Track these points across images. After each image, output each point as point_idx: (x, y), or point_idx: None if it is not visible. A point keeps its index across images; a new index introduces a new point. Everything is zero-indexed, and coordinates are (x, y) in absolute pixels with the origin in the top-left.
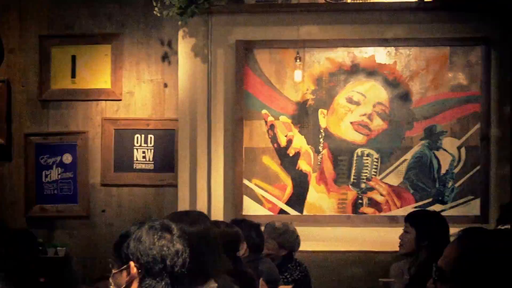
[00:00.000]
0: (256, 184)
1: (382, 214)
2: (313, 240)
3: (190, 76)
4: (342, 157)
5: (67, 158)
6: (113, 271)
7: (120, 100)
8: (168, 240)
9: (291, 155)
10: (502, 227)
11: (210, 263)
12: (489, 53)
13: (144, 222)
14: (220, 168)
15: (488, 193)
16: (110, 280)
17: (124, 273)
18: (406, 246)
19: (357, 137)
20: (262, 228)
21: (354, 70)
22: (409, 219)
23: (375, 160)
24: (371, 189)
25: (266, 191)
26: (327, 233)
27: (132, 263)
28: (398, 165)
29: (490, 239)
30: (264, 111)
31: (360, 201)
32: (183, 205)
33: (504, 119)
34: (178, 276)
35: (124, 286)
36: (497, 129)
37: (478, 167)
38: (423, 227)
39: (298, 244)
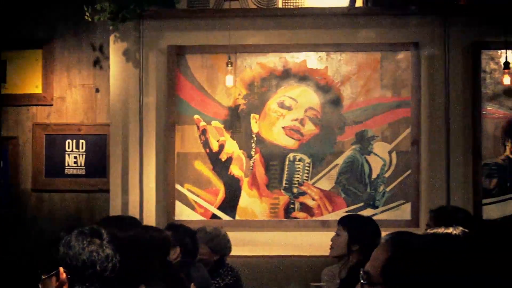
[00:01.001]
0: (188, 189)
1: (314, 218)
2: (245, 245)
3: (121, 81)
4: (274, 162)
5: None
6: (43, 276)
7: (51, 105)
8: (97, 245)
9: (223, 160)
10: (431, 231)
11: (141, 268)
12: (419, 58)
13: (74, 227)
14: (152, 173)
15: (418, 198)
16: (40, 286)
17: (53, 279)
18: (337, 249)
19: (289, 142)
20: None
21: (285, 75)
22: (343, 222)
23: (307, 164)
24: (303, 193)
25: (198, 196)
26: (259, 238)
27: (61, 269)
28: (330, 170)
29: (416, 242)
30: (196, 116)
31: (292, 205)
32: (115, 210)
33: (434, 124)
34: (108, 281)
35: None
36: (427, 134)
37: (408, 172)
38: (356, 231)
39: (230, 249)
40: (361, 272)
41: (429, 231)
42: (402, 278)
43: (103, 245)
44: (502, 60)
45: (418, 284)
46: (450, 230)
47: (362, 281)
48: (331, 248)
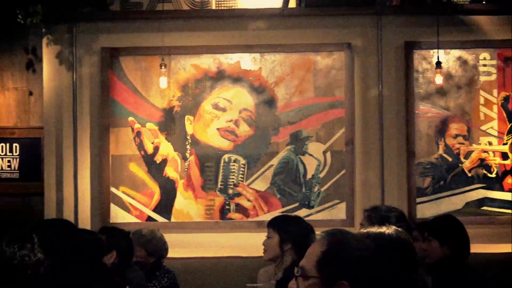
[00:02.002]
0: (123, 192)
1: (250, 219)
2: (181, 247)
3: (55, 83)
4: (209, 163)
5: None
6: None
7: None
8: (29, 250)
9: (158, 162)
10: (365, 230)
11: (75, 271)
12: (353, 59)
13: (6, 232)
14: (87, 176)
15: (353, 197)
16: None
17: None
18: (270, 251)
19: (223, 143)
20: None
21: (219, 76)
22: (272, 224)
23: (242, 166)
24: (238, 194)
25: (133, 198)
26: (195, 240)
27: None
28: (265, 171)
29: (349, 237)
30: (130, 118)
31: (227, 207)
32: (49, 214)
33: (368, 124)
34: (41, 285)
35: None
36: (361, 134)
37: (343, 172)
38: (285, 231)
39: (166, 251)
40: (295, 269)
41: (362, 230)
42: (336, 270)
43: (34, 249)
44: (434, 60)
45: (351, 275)
46: (383, 229)
47: (296, 275)
48: (265, 251)
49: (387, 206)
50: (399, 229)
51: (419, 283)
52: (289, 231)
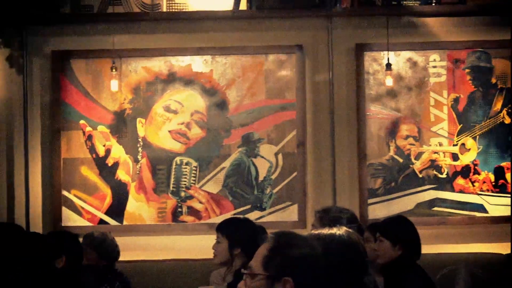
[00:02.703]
0: (75, 195)
1: (202, 221)
2: (133, 250)
3: (5, 87)
4: (161, 166)
5: None
6: None
7: None
8: None
9: (109, 165)
10: (316, 232)
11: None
12: (304, 61)
13: None
14: (38, 179)
15: (305, 199)
16: None
17: None
18: (220, 256)
19: (175, 146)
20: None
21: (171, 79)
22: (220, 228)
23: (194, 168)
24: (191, 197)
25: (85, 201)
26: (148, 242)
27: None
28: (217, 173)
29: (295, 237)
30: (82, 121)
31: (179, 209)
32: (0, 218)
33: (319, 125)
34: None
35: None
36: (313, 135)
37: (295, 173)
38: (234, 235)
39: (118, 254)
40: (242, 269)
41: (314, 231)
42: (280, 267)
43: None
44: (385, 62)
45: (295, 272)
46: (334, 230)
47: (245, 275)
48: (215, 255)
49: (338, 207)
50: (350, 230)
51: (370, 284)
52: (238, 236)
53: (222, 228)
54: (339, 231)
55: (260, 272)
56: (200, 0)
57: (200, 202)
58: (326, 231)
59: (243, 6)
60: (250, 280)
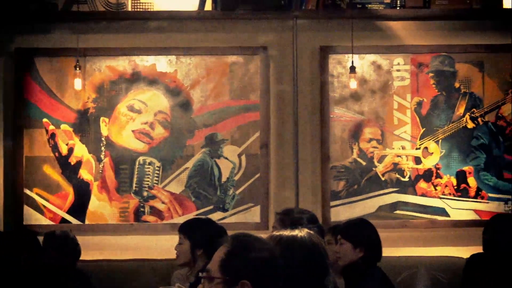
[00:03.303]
0: (37, 193)
1: (164, 222)
2: (95, 249)
3: None
4: (124, 165)
5: None
6: None
7: None
8: None
9: (72, 163)
10: (277, 233)
11: None
12: (268, 62)
13: None
14: (0, 177)
15: (268, 200)
16: None
17: None
18: (182, 257)
19: (138, 146)
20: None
21: (135, 78)
22: (182, 230)
23: (157, 168)
24: (153, 197)
25: (47, 200)
26: (110, 242)
27: None
28: (180, 173)
29: (252, 239)
30: (45, 120)
31: (142, 209)
32: None
33: (283, 127)
34: None
35: None
36: (276, 137)
37: (258, 175)
38: (196, 236)
39: (79, 253)
40: (199, 273)
41: (275, 233)
42: (238, 270)
43: None
44: (349, 65)
45: (252, 275)
46: (296, 232)
47: (201, 275)
48: (177, 256)
49: (299, 209)
50: (311, 232)
51: (330, 285)
52: (200, 237)
53: (184, 229)
54: (300, 232)
55: (218, 276)
56: (166, 0)
57: (163, 202)
58: (287, 232)
59: (208, 7)
60: (208, 283)
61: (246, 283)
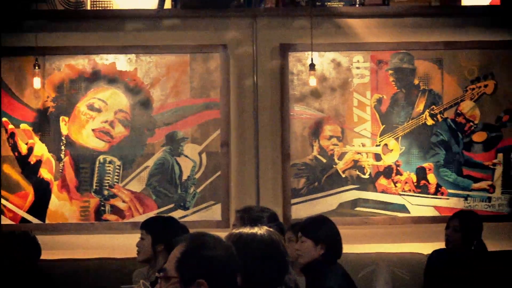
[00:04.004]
0: None
1: (125, 220)
2: (56, 249)
3: None
4: (84, 164)
5: None
6: None
7: None
8: None
9: (32, 163)
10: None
11: None
12: (228, 60)
13: None
14: None
15: (228, 198)
16: None
17: None
18: (143, 253)
19: (99, 144)
20: None
21: (95, 77)
22: (144, 226)
23: (117, 167)
24: (114, 196)
25: (7, 200)
26: (71, 241)
27: None
28: (140, 172)
29: (208, 238)
30: (4, 119)
31: (103, 208)
32: None
33: (243, 125)
34: None
35: None
36: (237, 135)
37: (219, 173)
38: (158, 232)
39: (40, 253)
40: (156, 273)
41: (235, 230)
42: (193, 269)
43: None
44: (309, 62)
45: (208, 274)
46: (255, 229)
47: (157, 275)
48: (138, 252)
49: (260, 206)
50: (271, 229)
51: (291, 283)
52: (162, 233)
53: (147, 225)
54: (260, 230)
55: (174, 275)
56: None
57: (124, 201)
58: (247, 230)
59: (167, 5)
60: (164, 283)
61: (202, 282)
